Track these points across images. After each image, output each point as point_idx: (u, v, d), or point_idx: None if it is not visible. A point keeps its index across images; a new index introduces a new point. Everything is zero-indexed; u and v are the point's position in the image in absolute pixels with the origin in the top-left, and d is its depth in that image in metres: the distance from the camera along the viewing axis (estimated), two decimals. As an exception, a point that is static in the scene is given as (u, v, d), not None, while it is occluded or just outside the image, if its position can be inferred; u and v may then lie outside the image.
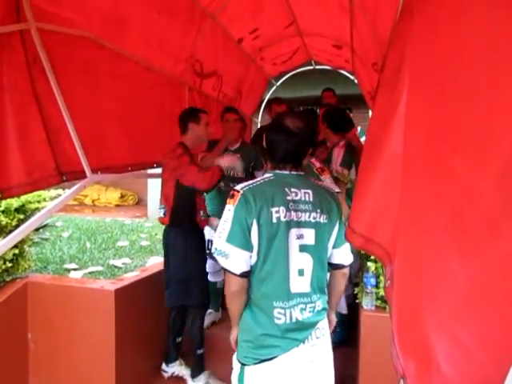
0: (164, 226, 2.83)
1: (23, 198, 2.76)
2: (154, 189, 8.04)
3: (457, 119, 0.85)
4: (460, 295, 0.77)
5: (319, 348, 1.59)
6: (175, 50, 3.22)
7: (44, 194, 2.94)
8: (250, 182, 1.58)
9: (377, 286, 2.42)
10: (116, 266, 3.50)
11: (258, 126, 6.54)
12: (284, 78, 6.84)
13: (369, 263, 2.43)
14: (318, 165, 2.52)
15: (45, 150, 2.09)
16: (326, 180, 2.42)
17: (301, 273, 1.52)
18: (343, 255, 1.68)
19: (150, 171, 3.51)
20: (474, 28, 0.85)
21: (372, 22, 2.87)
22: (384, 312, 2.38)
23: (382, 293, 2.39)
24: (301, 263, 1.52)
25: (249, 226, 1.48)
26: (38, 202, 2.84)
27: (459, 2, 0.91)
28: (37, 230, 4.80)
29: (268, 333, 1.52)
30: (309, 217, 1.52)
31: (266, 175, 1.60)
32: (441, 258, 0.85)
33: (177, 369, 2.87)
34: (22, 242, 2.81)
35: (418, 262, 0.97)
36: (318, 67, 6.50)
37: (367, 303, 2.42)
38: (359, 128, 4.98)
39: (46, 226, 4.84)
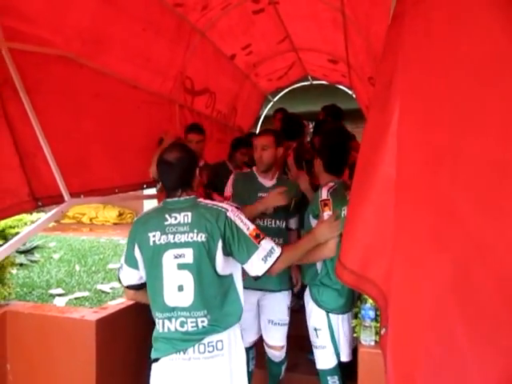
0: None
1: (3, 222, 2.65)
2: (150, 206, 7.94)
3: (457, 144, 0.72)
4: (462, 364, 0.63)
5: (202, 363, 1.65)
6: (163, 68, 3.13)
7: (25, 217, 2.82)
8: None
9: (376, 319, 2.24)
10: (103, 291, 3.37)
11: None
12: (281, 94, 6.77)
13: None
14: (324, 195, 2.25)
15: (17, 175, 1.98)
16: (324, 217, 2.15)
17: (180, 288, 1.65)
18: (254, 268, 1.71)
19: (144, 192, 3.39)
20: (471, 36, 0.74)
21: (366, 35, 2.78)
22: (385, 348, 2.21)
23: (382, 326, 2.22)
24: (180, 280, 1.65)
25: (134, 248, 1.72)
26: (19, 226, 2.72)
27: (452, 11, 0.80)
28: (27, 251, 4.70)
29: (154, 336, 1.73)
30: (186, 237, 1.65)
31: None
32: (440, 319, 0.71)
33: None
34: (3, 268, 2.68)
35: (415, 313, 0.83)
36: (315, 82, 6.43)
37: (366, 338, 2.22)
38: None
39: (36, 247, 4.74)
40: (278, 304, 2.59)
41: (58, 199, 2.23)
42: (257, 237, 1.70)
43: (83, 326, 2.41)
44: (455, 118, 0.74)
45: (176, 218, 1.69)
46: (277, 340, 2.61)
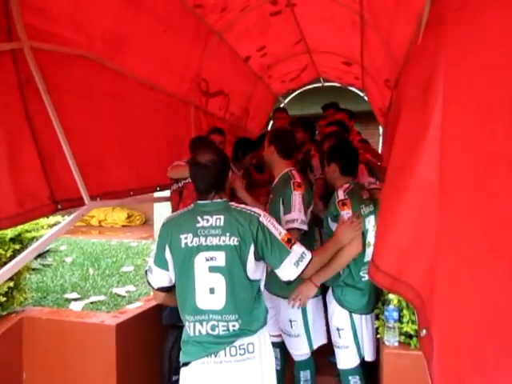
0: None
1: (19, 226, 2.62)
2: (160, 208, 7.91)
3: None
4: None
5: (233, 366, 1.65)
6: (181, 69, 3.10)
7: (42, 221, 2.79)
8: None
9: (400, 320, 2.21)
10: (119, 295, 3.32)
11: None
12: (292, 96, 6.74)
13: (390, 295, 2.22)
14: (341, 196, 2.27)
15: (38, 178, 1.95)
16: (345, 217, 2.19)
17: (212, 291, 1.65)
18: (286, 273, 1.72)
19: (155, 195, 3.36)
20: None
21: (386, 38, 2.74)
22: (408, 349, 2.16)
23: (405, 328, 2.18)
24: (211, 282, 1.65)
25: (164, 249, 1.72)
26: (36, 230, 2.69)
27: (508, 6, 0.75)
28: (39, 255, 4.67)
29: (184, 340, 1.73)
30: (219, 240, 1.64)
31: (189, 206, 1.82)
32: (494, 324, 0.68)
33: None
34: (18, 273, 2.65)
35: (467, 317, 0.79)
36: (326, 84, 6.39)
37: (389, 339, 2.21)
38: None
39: (48, 251, 4.71)
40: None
41: (76, 202, 2.20)
42: (288, 241, 1.71)
43: (103, 331, 2.38)
44: (510, 124, 0.70)
45: (208, 221, 1.68)
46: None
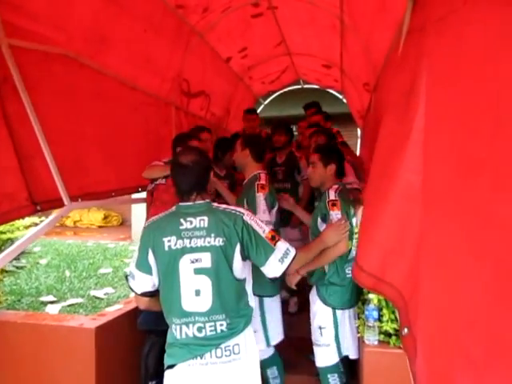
0: None
1: (-6, 227, 2.54)
2: (138, 209, 7.80)
3: (498, 156, 0.71)
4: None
5: (219, 368, 1.64)
6: (162, 69, 3.07)
7: (17, 222, 2.72)
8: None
9: (379, 319, 2.25)
10: (97, 298, 3.27)
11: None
12: (272, 97, 6.77)
13: (370, 295, 2.26)
14: (332, 196, 2.32)
15: (15, 178, 1.90)
16: (333, 217, 2.24)
17: (197, 293, 1.64)
18: (271, 270, 1.72)
19: (134, 196, 3.32)
20: (510, 46, 0.72)
21: (365, 43, 2.79)
22: (388, 347, 2.21)
23: (385, 327, 2.22)
24: (197, 284, 1.64)
25: (147, 254, 1.69)
26: (11, 231, 2.61)
27: (489, 19, 0.79)
28: (13, 256, 4.54)
29: (170, 342, 1.71)
30: (203, 241, 1.63)
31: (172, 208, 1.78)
32: (482, 322, 0.70)
33: None
34: (-8, 276, 2.58)
35: (453, 316, 0.82)
36: (306, 86, 6.45)
37: (369, 338, 2.25)
38: None
39: (22, 252, 4.58)
40: None
41: (56, 203, 2.16)
42: (272, 239, 1.71)
43: (82, 335, 2.32)
44: (495, 132, 0.73)
45: (192, 223, 1.67)
46: None
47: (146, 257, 1.69)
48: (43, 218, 2.03)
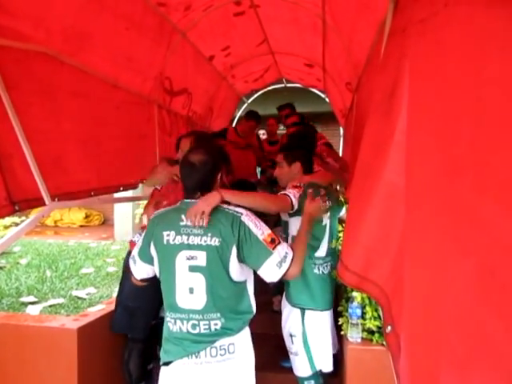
0: (128, 249, 2.60)
1: (-28, 228, 2.48)
2: (120, 208, 7.72)
3: (479, 153, 0.73)
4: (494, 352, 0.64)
5: (214, 367, 1.63)
6: (144, 67, 3.05)
7: (-4, 222, 2.66)
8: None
9: (363, 317, 2.29)
10: (79, 298, 3.24)
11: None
12: (255, 96, 6.78)
13: (354, 293, 2.30)
14: (294, 183, 2.30)
15: (-6, 178, 1.86)
16: (290, 191, 2.20)
17: (191, 291, 1.64)
18: (268, 274, 1.66)
19: (117, 195, 3.28)
20: (489, 48, 0.75)
21: (347, 43, 2.82)
22: (370, 344, 2.25)
23: (368, 324, 2.26)
24: (191, 282, 1.64)
25: (149, 246, 1.73)
26: (-11, 232, 2.56)
27: (469, 22, 0.81)
28: (-9, 257, 4.45)
29: (164, 336, 1.72)
30: (200, 240, 1.63)
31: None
32: (466, 320, 0.72)
33: None
34: (-29, 277, 2.52)
35: (436, 314, 0.83)
36: (289, 85, 6.47)
37: (353, 335, 2.28)
38: None
39: (2, 252, 4.49)
40: None
41: (35, 203, 2.13)
42: (272, 242, 1.64)
43: (64, 335, 2.30)
44: (477, 132, 0.74)
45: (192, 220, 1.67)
46: None
47: (148, 247, 1.74)
48: (23, 218, 1.99)
